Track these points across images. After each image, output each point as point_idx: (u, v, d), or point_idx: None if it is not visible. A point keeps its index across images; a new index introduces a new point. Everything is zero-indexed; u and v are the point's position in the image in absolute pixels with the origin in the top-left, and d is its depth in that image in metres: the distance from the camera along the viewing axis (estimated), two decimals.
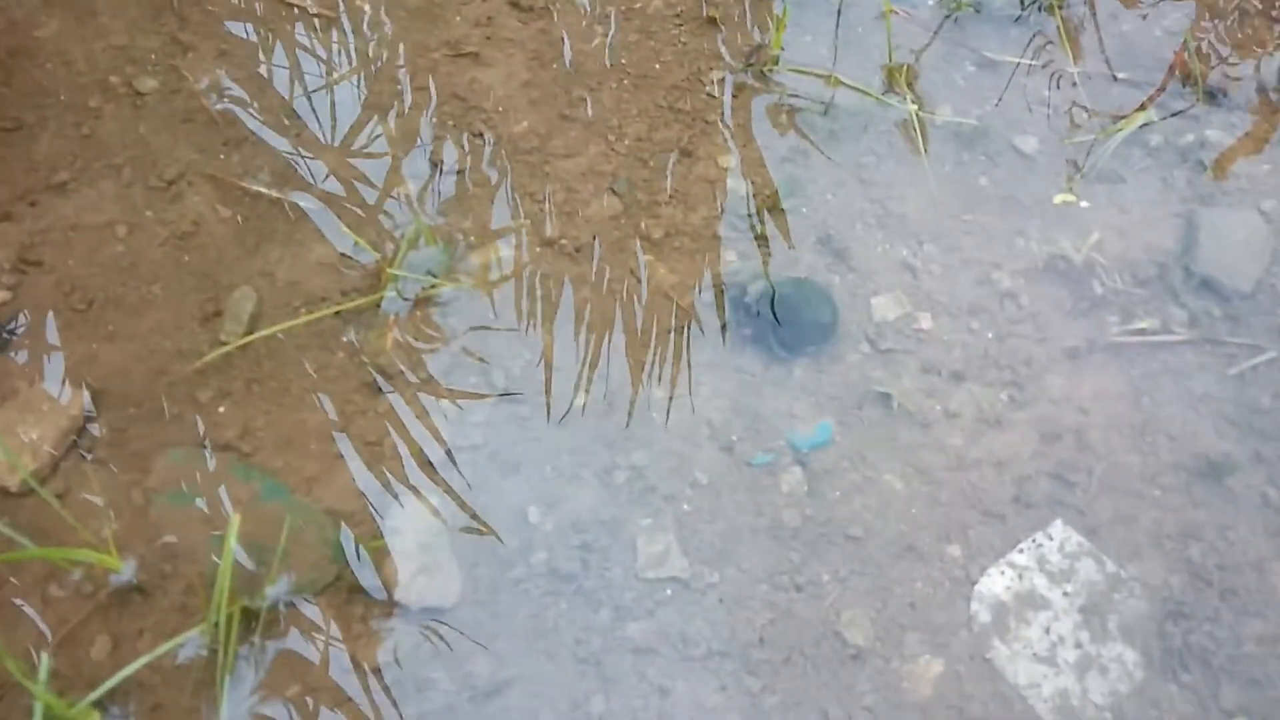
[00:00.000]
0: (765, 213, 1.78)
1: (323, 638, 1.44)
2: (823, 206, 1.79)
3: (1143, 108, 1.89)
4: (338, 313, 1.63)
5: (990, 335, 1.70)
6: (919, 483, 1.58)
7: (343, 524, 1.51)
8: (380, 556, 1.50)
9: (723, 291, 1.71)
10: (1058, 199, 1.82)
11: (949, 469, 1.59)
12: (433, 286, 1.66)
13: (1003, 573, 1.52)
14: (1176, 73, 1.91)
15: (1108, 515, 1.56)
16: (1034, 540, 1.54)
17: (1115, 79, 1.92)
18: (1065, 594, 1.50)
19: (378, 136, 1.81)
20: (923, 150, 1.84)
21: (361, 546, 1.50)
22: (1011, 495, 1.58)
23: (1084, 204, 1.81)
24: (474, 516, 1.54)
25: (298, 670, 1.43)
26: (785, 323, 1.65)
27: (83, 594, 1.45)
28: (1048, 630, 1.48)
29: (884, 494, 1.57)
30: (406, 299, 1.64)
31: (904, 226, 1.78)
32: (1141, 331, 1.68)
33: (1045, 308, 1.72)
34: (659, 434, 1.60)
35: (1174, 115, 1.89)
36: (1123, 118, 1.86)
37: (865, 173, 1.83)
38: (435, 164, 1.76)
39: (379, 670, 1.45)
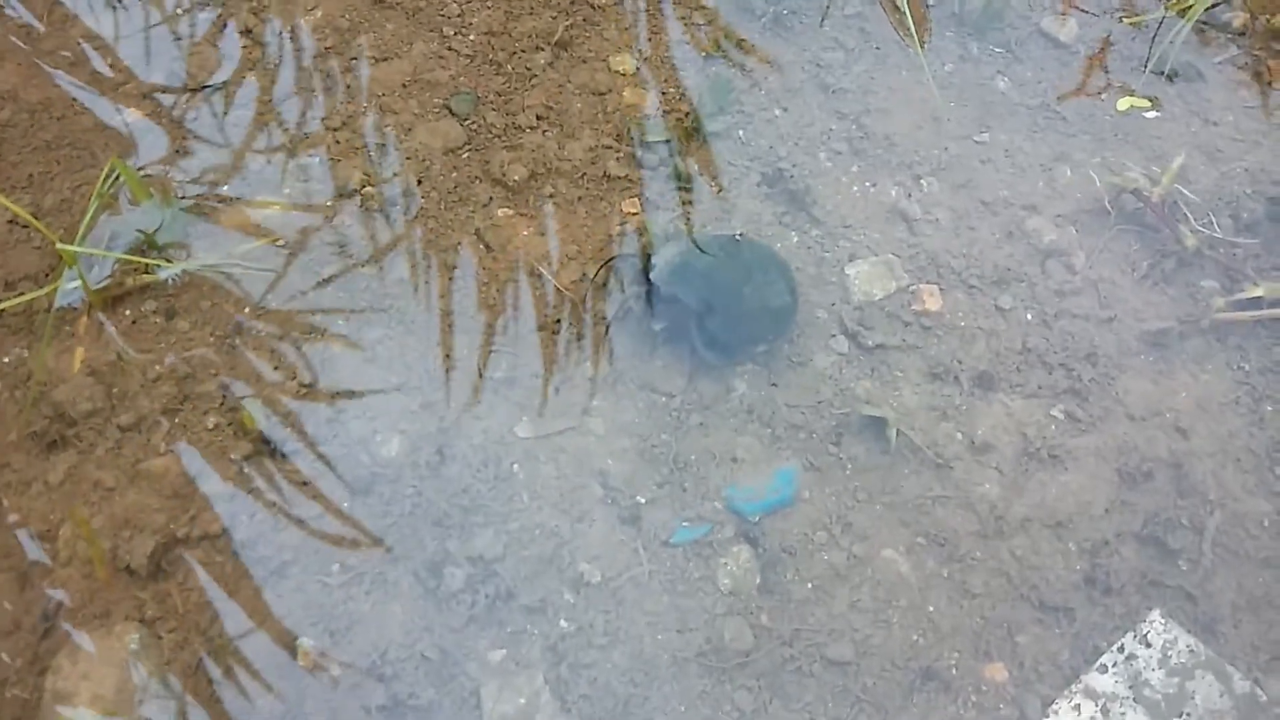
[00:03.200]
0: (682, 139, 1.60)
1: None
2: (768, 128, 1.61)
3: None
4: None
5: (1030, 317, 1.49)
6: (936, 561, 1.35)
7: None
8: None
9: (620, 263, 1.52)
10: (1122, 104, 1.64)
11: (981, 536, 1.37)
12: (144, 270, 1.42)
13: (1077, 708, 1.27)
14: None
15: (1230, 598, 1.34)
16: (1121, 648, 1.31)
17: None
18: None
19: (95, 37, 1.59)
20: (914, 39, 1.69)
21: None
22: (1081, 575, 1.35)
23: (1151, 114, 1.63)
24: (201, 660, 1.23)
25: None
26: (716, 309, 1.45)
27: None
28: None
29: (883, 584, 1.34)
30: (101, 288, 1.40)
31: (891, 154, 1.61)
32: (1256, 302, 1.49)
33: (1111, 271, 1.53)
34: (520, 500, 1.36)
35: None
36: None
37: (830, 75, 1.66)
38: (185, 80, 1.56)
39: None
